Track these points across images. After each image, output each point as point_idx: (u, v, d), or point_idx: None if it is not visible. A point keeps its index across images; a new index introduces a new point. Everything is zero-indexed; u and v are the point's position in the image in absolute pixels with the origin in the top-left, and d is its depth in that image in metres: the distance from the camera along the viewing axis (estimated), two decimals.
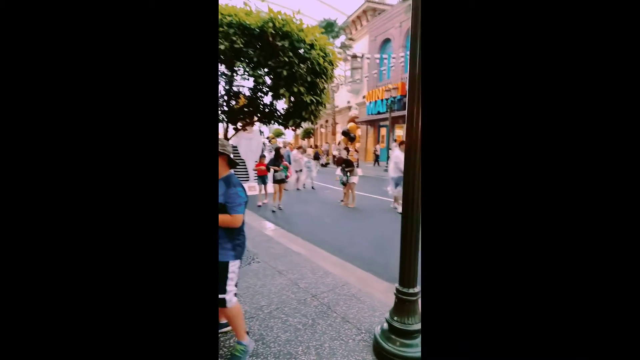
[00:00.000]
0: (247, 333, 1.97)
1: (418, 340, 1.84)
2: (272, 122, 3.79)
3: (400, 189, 5.60)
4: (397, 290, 1.91)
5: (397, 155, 6.00)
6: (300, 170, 9.33)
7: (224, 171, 1.83)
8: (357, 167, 8.95)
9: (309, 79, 3.24)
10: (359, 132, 21.12)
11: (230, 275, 1.81)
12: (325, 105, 3.68)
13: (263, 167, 6.96)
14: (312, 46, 3.28)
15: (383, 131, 19.65)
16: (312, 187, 9.97)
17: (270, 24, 3.04)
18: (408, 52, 1.73)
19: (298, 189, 9.52)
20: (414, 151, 1.78)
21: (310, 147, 19.36)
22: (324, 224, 5.79)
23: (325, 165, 18.57)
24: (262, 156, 6.95)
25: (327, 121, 26.46)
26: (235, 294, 1.87)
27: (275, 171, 6.81)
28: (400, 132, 17.46)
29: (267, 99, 3.60)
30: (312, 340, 2.08)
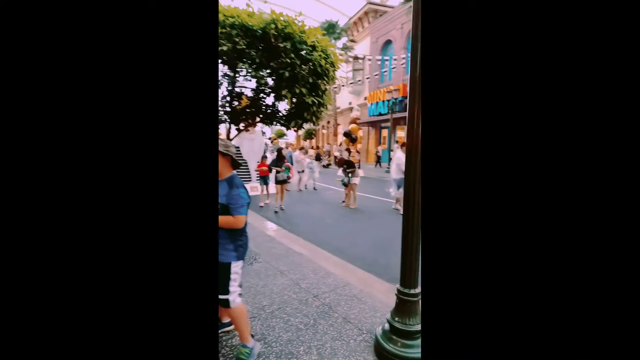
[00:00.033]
0: (252, 336, 1.94)
1: (419, 341, 1.83)
2: (274, 123, 3.80)
3: (402, 190, 5.55)
4: (398, 291, 1.91)
5: (399, 157, 5.99)
6: (303, 171, 9.34)
7: (227, 172, 1.81)
8: (359, 168, 8.93)
9: (310, 80, 3.26)
10: (360, 133, 21.03)
11: (233, 276, 1.80)
12: (326, 106, 3.69)
13: (265, 168, 6.98)
14: (313, 48, 3.30)
15: (384, 132, 19.63)
16: (314, 188, 9.98)
17: (273, 26, 3.06)
18: (409, 54, 1.73)
19: (300, 190, 9.53)
20: (414, 153, 1.78)
21: (312, 148, 19.34)
22: (325, 224, 5.79)
23: (326, 166, 18.55)
24: (264, 157, 6.96)
25: (328, 122, 26.45)
26: (240, 294, 1.85)
27: (278, 172, 6.82)
28: (402, 133, 17.43)
29: (269, 100, 3.62)
30: (313, 340, 2.09)
